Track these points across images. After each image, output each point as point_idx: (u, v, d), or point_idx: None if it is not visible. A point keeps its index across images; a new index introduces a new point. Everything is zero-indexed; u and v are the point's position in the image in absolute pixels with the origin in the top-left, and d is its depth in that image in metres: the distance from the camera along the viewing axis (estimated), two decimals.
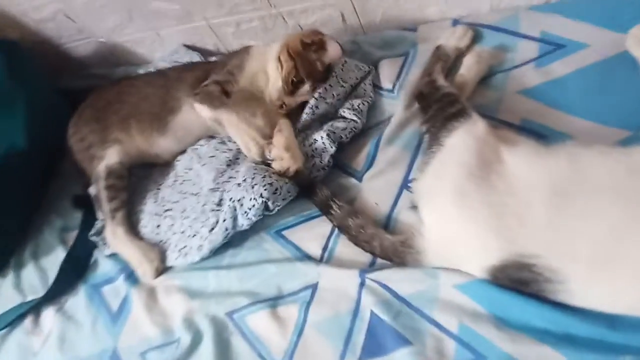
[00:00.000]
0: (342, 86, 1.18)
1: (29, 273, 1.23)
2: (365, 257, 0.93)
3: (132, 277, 1.10)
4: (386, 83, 1.19)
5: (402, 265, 0.88)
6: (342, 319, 0.87)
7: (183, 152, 1.26)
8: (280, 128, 1.10)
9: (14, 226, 1.30)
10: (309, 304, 0.92)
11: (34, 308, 1.14)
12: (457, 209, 0.78)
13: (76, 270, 1.18)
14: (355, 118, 1.13)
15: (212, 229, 1.05)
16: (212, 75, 1.18)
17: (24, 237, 1.30)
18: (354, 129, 1.12)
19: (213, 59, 1.47)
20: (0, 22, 1.57)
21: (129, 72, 1.60)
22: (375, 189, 1.04)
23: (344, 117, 1.14)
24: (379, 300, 0.86)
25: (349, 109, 1.15)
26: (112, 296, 1.10)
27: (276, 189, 1.02)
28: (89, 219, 1.24)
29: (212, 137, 1.25)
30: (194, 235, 1.07)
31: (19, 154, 1.29)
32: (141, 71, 1.56)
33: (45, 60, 1.69)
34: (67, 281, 1.16)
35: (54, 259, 1.21)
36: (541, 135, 0.93)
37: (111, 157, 1.21)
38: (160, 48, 1.63)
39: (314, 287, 0.93)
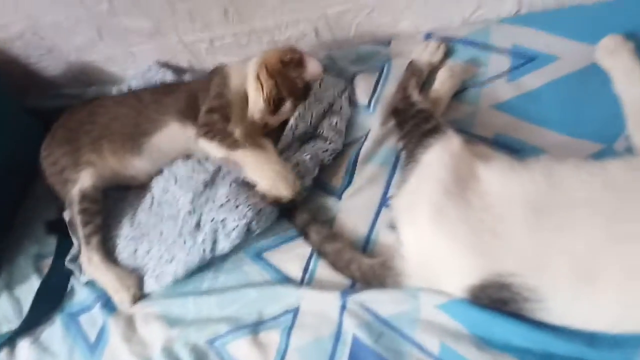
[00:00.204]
0: (320, 103, 1.18)
1: (3, 303, 1.19)
2: (345, 279, 0.93)
3: (109, 305, 1.08)
4: (362, 98, 1.19)
5: (384, 287, 0.87)
6: (324, 343, 0.86)
7: (159, 173, 1.24)
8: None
9: None
10: (290, 328, 0.91)
11: (9, 340, 1.10)
12: (435, 227, 0.78)
13: (52, 299, 1.14)
14: (335, 138, 1.13)
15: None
16: (202, 103, 1.16)
17: None
18: (334, 151, 1.12)
19: (186, 76, 1.45)
20: None
21: (101, 91, 1.57)
22: (354, 207, 1.03)
23: (324, 137, 1.14)
24: (361, 322, 0.85)
25: (329, 128, 1.14)
26: (89, 325, 1.07)
27: (260, 210, 1.01)
28: (64, 245, 1.21)
29: (188, 156, 1.23)
30: (171, 260, 1.06)
31: None
32: (114, 89, 1.54)
33: (14, 80, 1.65)
34: (43, 311, 1.13)
35: (29, 288, 1.18)
36: (515, 149, 0.94)
37: (84, 180, 1.18)
38: (132, 66, 1.60)
39: (295, 311, 0.92)
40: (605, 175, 0.71)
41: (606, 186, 0.70)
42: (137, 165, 1.21)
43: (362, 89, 1.20)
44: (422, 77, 1.11)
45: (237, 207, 1.01)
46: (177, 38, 1.45)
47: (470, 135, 1.01)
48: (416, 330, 0.81)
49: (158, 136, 1.19)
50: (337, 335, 0.86)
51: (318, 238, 0.97)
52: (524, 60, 1.05)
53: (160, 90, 1.27)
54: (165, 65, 1.53)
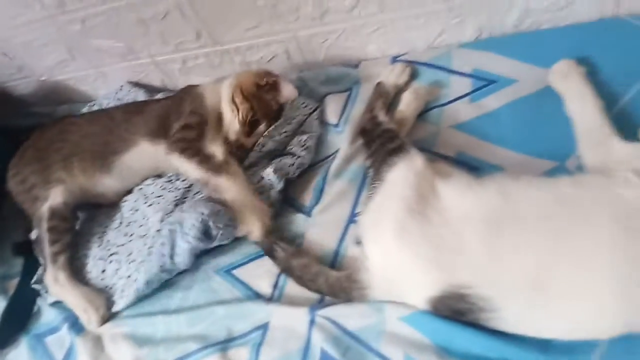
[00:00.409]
0: (289, 123, 1.21)
1: None
2: (314, 294, 0.94)
3: (77, 326, 1.07)
4: (332, 118, 1.22)
5: (349, 301, 0.89)
6: (293, 358, 0.87)
7: (129, 192, 1.24)
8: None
9: None
10: (259, 345, 0.91)
11: None
12: (398, 243, 0.81)
13: (17, 320, 1.13)
14: (303, 154, 1.15)
15: None
16: (175, 120, 1.16)
17: None
18: (301, 165, 1.14)
19: (159, 95, 1.47)
20: None
21: (72, 110, 1.58)
22: (323, 223, 1.05)
23: (292, 153, 1.16)
24: (329, 336, 0.87)
25: (297, 145, 1.17)
26: (56, 347, 1.06)
27: (218, 210, 1.03)
28: (31, 266, 1.19)
29: (159, 176, 1.24)
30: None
31: None
32: (85, 108, 1.55)
33: None
34: (9, 332, 1.11)
35: None
36: (475, 167, 0.98)
37: (55, 197, 1.16)
38: (104, 85, 1.61)
39: (264, 328, 0.93)
40: (555, 192, 0.75)
41: (555, 201, 0.74)
42: (106, 184, 1.21)
43: (332, 109, 1.24)
44: (389, 98, 1.15)
45: (195, 209, 1.03)
46: (149, 58, 1.47)
47: (433, 154, 1.05)
48: (381, 342, 0.83)
49: (128, 155, 1.19)
50: (306, 350, 0.87)
51: (284, 255, 0.98)
52: (485, 83, 1.10)
53: (131, 109, 1.27)
54: (138, 84, 1.55)
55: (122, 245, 1.13)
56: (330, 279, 0.91)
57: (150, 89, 1.54)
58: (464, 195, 0.81)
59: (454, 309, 0.76)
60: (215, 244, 1.04)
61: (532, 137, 0.98)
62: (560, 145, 0.93)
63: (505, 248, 0.73)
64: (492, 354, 0.75)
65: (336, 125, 1.21)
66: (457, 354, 0.77)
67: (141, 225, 1.15)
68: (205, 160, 1.09)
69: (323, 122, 1.24)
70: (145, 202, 1.18)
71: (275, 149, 1.18)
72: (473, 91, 1.10)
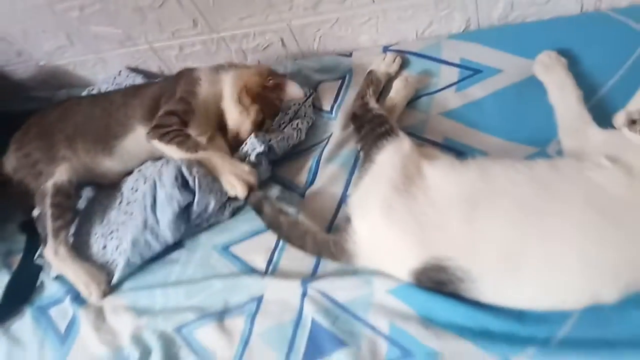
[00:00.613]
0: (287, 114, 1.26)
1: None
2: (307, 268, 1.00)
3: (79, 298, 1.11)
4: (325, 105, 1.28)
5: (334, 261, 0.95)
6: (286, 327, 0.93)
7: (130, 173, 1.28)
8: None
9: None
10: (254, 315, 0.97)
11: None
12: (384, 219, 0.86)
13: (21, 293, 1.17)
14: (291, 132, 1.20)
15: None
16: (163, 105, 1.19)
17: None
18: (287, 140, 1.19)
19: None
20: None
21: (71, 95, 1.61)
22: (316, 204, 1.10)
23: (283, 134, 1.21)
24: (320, 308, 0.92)
25: (289, 127, 1.22)
26: (59, 317, 1.11)
27: (193, 162, 1.10)
28: (34, 242, 1.23)
29: (158, 158, 1.28)
30: None
31: None
32: (84, 93, 1.58)
33: None
34: (13, 304, 1.16)
35: None
36: (461, 152, 1.04)
37: (60, 174, 1.19)
38: (102, 70, 1.65)
39: (259, 300, 0.99)
40: (531, 173, 0.81)
41: (531, 182, 0.80)
42: (108, 165, 1.25)
43: (326, 96, 1.29)
44: (380, 86, 1.21)
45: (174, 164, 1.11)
46: (147, 45, 1.51)
47: (422, 140, 1.10)
48: (369, 313, 0.89)
49: (127, 140, 1.22)
50: (298, 320, 0.93)
51: (272, 211, 1.03)
52: (471, 73, 1.16)
53: (129, 92, 1.30)
54: (136, 70, 1.59)
55: (122, 222, 1.18)
56: (317, 239, 0.97)
57: (148, 75, 1.57)
58: (447, 176, 0.86)
59: (435, 280, 0.82)
60: (197, 197, 1.07)
61: (515, 124, 1.04)
62: (542, 132, 0.99)
63: (482, 223, 0.78)
64: (471, 323, 0.81)
65: (329, 112, 1.26)
66: (439, 323, 0.83)
67: (140, 204, 1.18)
68: (184, 141, 1.13)
69: (317, 109, 1.29)
70: (145, 183, 1.22)
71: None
72: (459, 80, 1.16)
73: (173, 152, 1.13)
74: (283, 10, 1.30)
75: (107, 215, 1.22)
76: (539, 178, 0.80)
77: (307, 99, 1.29)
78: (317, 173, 1.15)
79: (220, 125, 1.22)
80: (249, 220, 1.11)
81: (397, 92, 1.17)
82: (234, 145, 1.20)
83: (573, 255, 0.73)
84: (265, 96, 1.18)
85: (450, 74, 1.18)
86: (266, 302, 0.98)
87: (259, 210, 1.06)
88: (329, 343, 0.88)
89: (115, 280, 1.11)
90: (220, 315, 0.99)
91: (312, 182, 1.14)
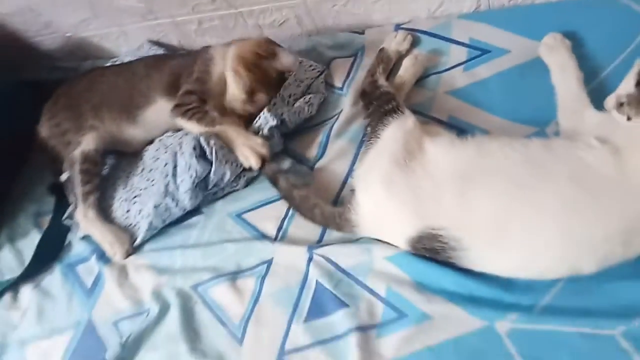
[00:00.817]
0: (299, 86, 1.30)
1: (6, 255, 1.32)
2: (313, 236, 1.07)
3: (104, 257, 1.20)
4: (337, 82, 1.32)
5: (340, 232, 1.02)
6: (292, 288, 1.01)
7: (151, 142, 1.35)
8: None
9: None
10: (264, 277, 1.05)
11: (13, 286, 1.23)
12: (384, 191, 0.93)
13: (51, 251, 1.27)
14: (303, 106, 1.25)
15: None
16: (183, 82, 1.26)
17: None
18: (298, 114, 1.24)
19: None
20: None
21: (96, 66, 1.67)
22: (325, 176, 1.16)
23: (295, 107, 1.26)
24: (324, 271, 0.99)
25: (302, 102, 1.27)
26: (86, 274, 1.20)
27: (210, 136, 1.18)
28: (62, 204, 1.33)
29: (179, 129, 1.35)
30: None
31: None
32: (108, 64, 1.64)
33: (12, 53, 1.75)
34: (43, 261, 1.26)
35: (29, 242, 1.31)
36: (464, 130, 1.08)
37: (87, 143, 1.28)
38: (125, 43, 1.70)
39: (269, 263, 1.06)
40: (525, 151, 0.86)
41: (523, 160, 0.85)
42: (132, 133, 1.32)
43: (338, 73, 1.33)
44: (390, 64, 1.24)
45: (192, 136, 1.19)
46: (168, 19, 1.56)
47: (428, 117, 1.15)
48: (368, 277, 0.96)
49: (149, 110, 1.29)
50: (304, 282, 1.01)
51: (286, 185, 1.10)
52: (479, 53, 1.19)
53: (151, 63, 1.36)
54: (157, 43, 1.64)
55: (145, 188, 1.25)
56: (325, 212, 1.04)
57: (168, 48, 1.63)
58: (446, 152, 0.92)
59: (429, 248, 0.88)
60: (214, 167, 1.15)
61: (518, 104, 1.08)
62: (543, 112, 1.03)
63: (475, 197, 0.84)
64: (461, 289, 0.87)
65: (340, 88, 1.31)
66: (431, 288, 0.90)
67: (161, 172, 1.26)
68: (203, 117, 1.21)
69: (329, 85, 1.33)
70: (166, 152, 1.29)
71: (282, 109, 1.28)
72: (468, 60, 1.19)
73: (193, 127, 1.21)
74: None
75: (130, 182, 1.30)
76: (531, 156, 0.85)
77: (320, 75, 1.34)
78: (326, 147, 1.21)
79: None
80: (262, 190, 1.18)
81: (406, 70, 1.21)
82: (248, 119, 1.25)
83: (555, 228, 0.78)
84: (259, 65, 1.21)
85: (459, 54, 1.21)
86: (275, 265, 1.05)
87: (274, 182, 1.13)
88: (331, 303, 0.96)
89: (138, 242, 1.20)
90: (233, 276, 1.07)
91: (321, 156, 1.20)
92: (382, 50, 1.25)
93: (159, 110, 1.28)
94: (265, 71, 1.23)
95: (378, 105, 1.09)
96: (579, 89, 0.99)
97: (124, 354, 1.03)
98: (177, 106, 1.23)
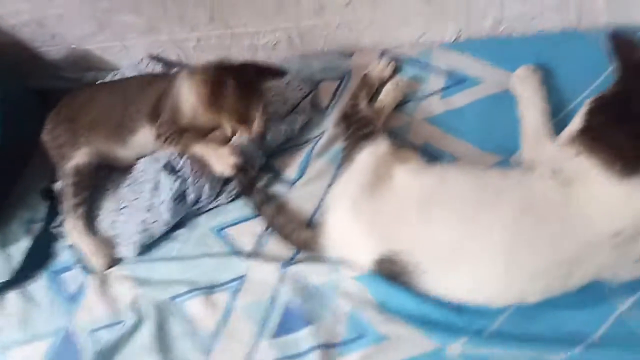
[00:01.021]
0: (284, 104, 1.35)
1: None
2: (287, 254, 1.11)
3: (88, 267, 1.25)
4: (323, 103, 1.36)
5: (313, 255, 1.06)
6: (263, 304, 1.05)
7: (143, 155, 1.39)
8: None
9: None
10: (237, 291, 1.09)
11: (0, 291, 1.28)
12: (351, 214, 0.96)
13: (39, 258, 1.32)
14: (284, 124, 1.29)
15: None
16: (161, 113, 1.28)
17: None
18: (280, 132, 1.28)
19: (175, 70, 1.62)
20: None
21: (98, 77, 1.72)
22: (304, 195, 1.20)
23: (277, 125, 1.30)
24: (294, 288, 1.03)
25: (287, 122, 1.31)
26: (69, 282, 1.25)
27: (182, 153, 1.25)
28: (54, 211, 1.38)
29: None
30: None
31: None
32: (109, 76, 1.70)
33: (19, 62, 1.81)
34: (31, 268, 1.30)
35: (19, 248, 1.35)
36: (436, 156, 1.12)
37: (81, 157, 1.34)
38: (127, 57, 1.76)
39: (243, 278, 1.10)
40: (483, 180, 0.89)
41: (481, 188, 0.88)
42: (122, 154, 1.37)
43: (325, 94, 1.38)
44: (373, 88, 1.29)
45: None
46: (167, 36, 1.62)
47: (405, 142, 1.19)
48: (335, 296, 0.99)
49: (138, 135, 1.33)
50: (274, 298, 1.04)
51: (270, 213, 1.15)
52: (456, 81, 1.23)
53: (140, 85, 1.38)
54: (156, 58, 1.70)
55: (132, 200, 1.30)
56: (301, 236, 1.08)
57: (167, 63, 1.68)
58: (412, 178, 0.96)
59: (389, 271, 0.92)
60: (189, 183, 1.20)
61: (488, 133, 1.12)
62: (510, 142, 1.06)
63: (433, 222, 0.88)
64: (419, 312, 0.91)
65: (326, 109, 1.35)
66: (391, 309, 0.93)
67: (150, 184, 1.31)
68: (178, 142, 1.25)
69: (315, 105, 1.38)
70: (156, 164, 1.31)
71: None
72: (445, 88, 1.23)
73: (171, 149, 1.26)
74: (291, 12, 1.39)
75: (119, 193, 1.35)
76: (487, 185, 0.88)
77: (307, 96, 1.38)
78: (307, 166, 1.24)
79: None
80: (245, 206, 1.22)
81: (387, 95, 1.25)
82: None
83: (502, 257, 0.82)
84: (222, 101, 1.21)
85: (437, 81, 1.25)
86: (249, 281, 1.09)
87: (259, 211, 1.17)
88: (298, 320, 0.99)
89: (127, 256, 1.24)
90: (209, 290, 1.11)
91: (301, 175, 1.24)
92: (365, 75, 1.29)
93: (147, 135, 1.31)
94: (232, 99, 1.21)
95: (356, 128, 1.13)
96: (543, 121, 1.02)
97: None
98: (157, 135, 1.28)
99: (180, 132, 1.25)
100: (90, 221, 1.31)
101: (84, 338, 1.14)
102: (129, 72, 1.67)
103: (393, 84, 1.27)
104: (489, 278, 0.83)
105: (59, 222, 1.34)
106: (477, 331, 0.86)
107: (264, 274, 1.09)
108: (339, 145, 1.23)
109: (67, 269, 1.28)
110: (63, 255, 1.31)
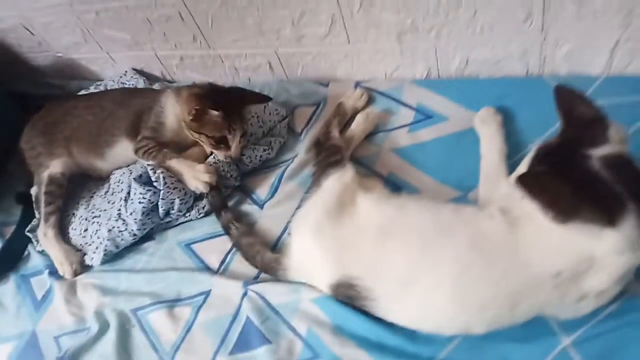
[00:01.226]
0: (261, 127, 1.40)
1: None
2: (252, 271, 1.15)
3: (57, 273, 1.28)
4: (298, 127, 1.42)
5: (274, 277, 1.10)
6: (223, 320, 1.08)
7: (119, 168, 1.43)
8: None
9: None
10: (200, 307, 1.12)
11: None
12: (313, 238, 1.01)
13: (10, 260, 1.35)
14: (261, 147, 1.34)
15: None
16: (142, 128, 1.32)
17: None
18: (258, 156, 1.33)
19: (156, 85, 1.66)
20: None
21: (82, 86, 1.77)
22: (272, 216, 1.24)
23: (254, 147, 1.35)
24: (255, 307, 1.07)
25: (264, 143, 1.36)
26: (38, 287, 1.28)
27: (158, 166, 1.26)
28: (27, 216, 1.41)
29: None
30: None
31: None
32: (92, 86, 1.73)
33: (5, 66, 1.85)
34: (1, 270, 1.33)
35: None
36: (399, 187, 1.18)
37: (55, 167, 1.38)
38: (111, 68, 1.81)
39: (207, 294, 1.14)
40: (437, 214, 0.95)
41: (435, 222, 0.93)
42: (99, 165, 1.41)
43: (300, 119, 1.44)
44: (346, 117, 1.34)
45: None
46: (152, 52, 1.67)
47: (371, 171, 1.24)
48: (294, 317, 1.03)
49: (115, 148, 1.37)
50: (235, 315, 1.08)
51: (237, 233, 1.19)
52: (424, 117, 1.29)
53: (119, 100, 1.42)
54: (140, 72, 1.75)
55: (105, 210, 1.34)
56: (265, 259, 1.12)
57: (150, 77, 1.74)
58: (374, 207, 1.01)
59: (346, 295, 0.96)
60: (162, 195, 1.23)
61: (449, 168, 1.17)
62: (468, 178, 1.12)
63: (389, 252, 0.92)
64: (372, 336, 0.95)
65: (299, 134, 1.41)
66: (346, 333, 0.98)
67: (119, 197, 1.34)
68: (156, 155, 1.28)
69: (290, 130, 1.43)
70: (131, 175, 1.36)
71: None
72: (413, 122, 1.30)
73: (150, 163, 1.29)
74: (271, 39, 1.45)
75: (93, 201, 1.39)
76: (441, 219, 0.94)
77: (283, 120, 1.44)
78: (278, 188, 1.29)
79: None
80: (213, 223, 1.26)
81: (358, 125, 1.31)
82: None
83: (449, 288, 0.87)
84: (203, 124, 1.24)
85: (406, 115, 1.31)
86: (212, 297, 1.13)
87: (227, 231, 1.22)
88: (256, 339, 1.03)
89: (93, 264, 1.27)
90: (172, 304, 1.15)
91: (272, 196, 1.29)
92: (340, 104, 1.35)
93: (124, 148, 1.36)
94: (211, 125, 1.24)
95: (325, 155, 1.18)
96: (500, 161, 1.09)
97: None
98: (136, 149, 1.31)
99: (159, 147, 1.29)
100: (62, 228, 1.34)
101: (48, 343, 1.17)
102: (112, 84, 1.72)
103: (364, 115, 1.33)
104: (436, 307, 0.88)
105: (32, 226, 1.37)
106: (428, 358, 0.91)
107: (227, 290, 1.12)
108: (309, 170, 1.29)
109: (36, 273, 1.31)
110: (34, 259, 1.34)
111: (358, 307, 0.97)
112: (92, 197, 1.41)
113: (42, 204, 1.34)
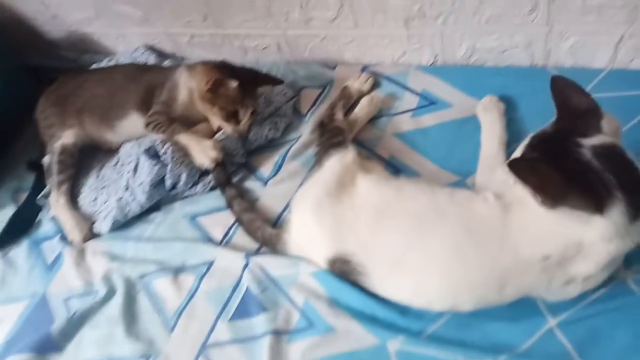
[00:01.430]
0: (268, 106, 1.44)
1: None
2: (253, 245, 1.19)
3: (67, 238, 1.33)
4: (304, 109, 1.45)
5: (274, 252, 1.14)
6: (225, 290, 1.13)
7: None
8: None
9: None
10: (203, 276, 1.17)
11: None
12: (312, 215, 1.05)
13: (22, 225, 1.40)
14: (268, 126, 1.38)
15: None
16: (154, 103, 1.36)
17: None
18: (264, 134, 1.37)
19: (167, 62, 1.69)
20: None
21: (95, 60, 1.80)
22: (275, 193, 1.28)
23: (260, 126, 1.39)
24: (255, 277, 1.11)
25: (270, 123, 1.40)
26: (49, 251, 1.33)
27: (166, 140, 1.31)
28: (40, 183, 1.46)
29: None
30: None
31: None
32: (104, 61, 1.77)
33: (19, 38, 1.89)
34: (14, 234, 1.39)
35: (4, 215, 1.43)
36: (399, 170, 1.21)
37: (67, 137, 1.43)
38: (123, 44, 1.84)
39: (209, 264, 1.18)
40: (433, 197, 0.98)
41: (430, 204, 0.97)
42: (110, 137, 1.45)
43: (306, 101, 1.47)
44: (351, 101, 1.38)
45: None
46: (162, 29, 1.70)
47: (373, 154, 1.28)
48: (292, 288, 1.08)
49: (125, 121, 1.41)
50: (236, 286, 1.13)
51: (239, 209, 1.23)
52: (427, 103, 1.32)
53: (131, 75, 1.46)
54: (151, 48, 1.78)
55: (114, 181, 1.38)
56: (265, 234, 1.16)
57: (160, 54, 1.76)
58: (372, 188, 1.05)
59: (341, 270, 1.01)
60: (169, 169, 1.28)
61: (449, 153, 1.21)
62: (468, 164, 1.15)
63: (383, 230, 0.97)
64: (365, 309, 1.00)
65: (305, 115, 1.44)
66: (342, 305, 1.02)
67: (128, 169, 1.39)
68: (165, 130, 1.32)
69: (296, 110, 1.47)
70: (140, 148, 1.40)
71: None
72: (417, 108, 1.33)
73: (160, 137, 1.33)
74: (280, 20, 1.48)
75: (103, 172, 1.44)
76: (436, 202, 0.97)
77: (289, 100, 1.47)
78: (281, 167, 1.33)
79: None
80: (218, 198, 1.31)
81: (362, 108, 1.34)
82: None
83: (440, 267, 0.91)
84: (217, 97, 1.28)
85: (410, 101, 1.34)
86: (214, 267, 1.18)
87: (230, 206, 1.26)
88: (255, 307, 1.08)
89: (102, 232, 1.32)
90: (176, 271, 1.19)
91: (275, 174, 1.32)
92: (345, 87, 1.38)
93: (134, 122, 1.40)
94: (224, 97, 1.29)
95: (328, 137, 1.22)
96: (499, 149, 1.12)
97: (68, 328, 1.16)
98: (147, 123, 1.35)
99: (169, 121, 1.33)
100: (73, 197, 1.39)
101: (58, 304, 1.22)
102: (124, 59, 1.75)
103: (369, 98, 1.36)
104: (426, 285, 0.93)
105: (44, 193, 1.42)
106: (416, 332, 0.95)
107: (229, 262, 1.17)
108: (312, 150, 1.32)
109: (47, 238, 1.36)
110: (46, 225, 1.39)
111: (352, 282, 1.01)
112: (102, 168, 1.46)
113: (55, 172, 1.38)
